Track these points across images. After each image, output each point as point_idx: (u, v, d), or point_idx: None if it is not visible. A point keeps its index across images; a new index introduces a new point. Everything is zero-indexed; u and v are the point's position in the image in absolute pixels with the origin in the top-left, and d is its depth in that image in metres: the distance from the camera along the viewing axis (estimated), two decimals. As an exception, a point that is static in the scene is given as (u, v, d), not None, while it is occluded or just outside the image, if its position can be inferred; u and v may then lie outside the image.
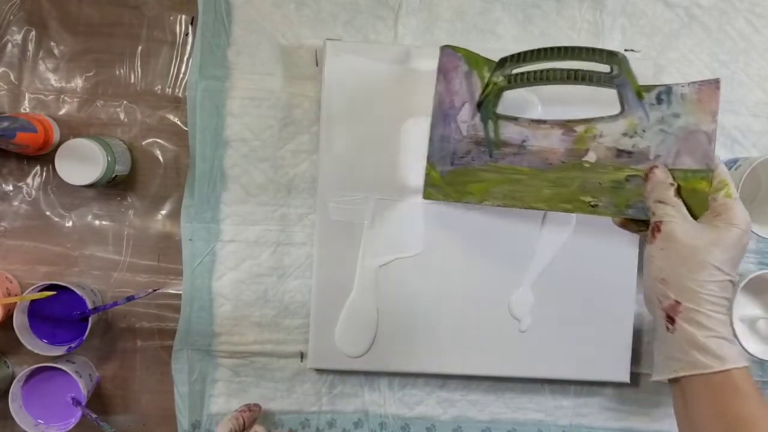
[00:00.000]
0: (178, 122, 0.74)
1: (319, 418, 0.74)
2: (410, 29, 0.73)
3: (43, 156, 0.73)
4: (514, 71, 0.63)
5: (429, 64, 0.68)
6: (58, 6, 0.73)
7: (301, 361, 0.74)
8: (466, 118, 0.66)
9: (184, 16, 0.74)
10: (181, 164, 0.74)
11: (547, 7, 0.74)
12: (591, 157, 0.62)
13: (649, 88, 0.59)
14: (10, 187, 0.74)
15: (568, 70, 0.60)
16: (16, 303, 0.69)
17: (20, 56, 0.73)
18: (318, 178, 0.71)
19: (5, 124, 0.65)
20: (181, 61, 0.74)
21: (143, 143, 0.74)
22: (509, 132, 0.65)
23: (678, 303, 0.51)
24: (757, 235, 0.66)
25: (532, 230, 0.70)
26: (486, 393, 0.75)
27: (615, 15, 0.74)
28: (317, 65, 0.72)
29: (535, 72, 0.62)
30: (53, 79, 0.74)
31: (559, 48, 0.60)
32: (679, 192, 0.55)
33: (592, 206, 0.61)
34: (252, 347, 0.73)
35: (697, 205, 0.55)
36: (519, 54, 0.62)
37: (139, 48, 0.74)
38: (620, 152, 0.61)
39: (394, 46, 0.72)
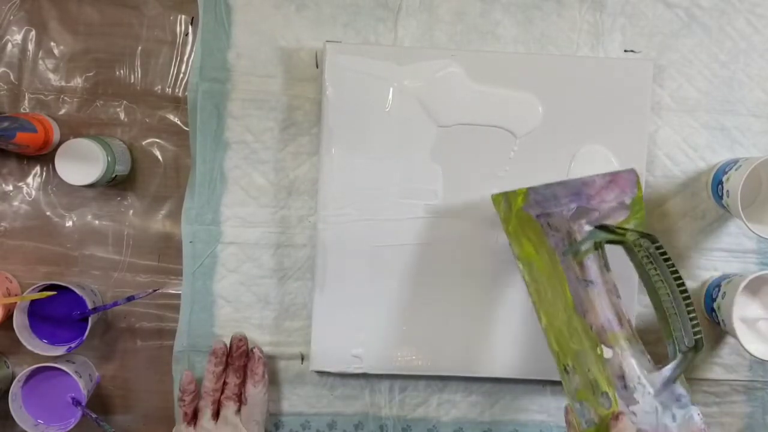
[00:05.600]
0: (178, 122, 0.74)
1: (319, 419, 0.74)
2: (410, 31, 0.73)
3: (43, 156, 0.73)
4: None
5: (430, 65, 0.69)
6: (58, 6, 0.73)
7: (302, 362, 0.74)
8: None
9: (184, 16, 0.74)
10: (180, 164, 0.74)
11: (547, 8, 0.74)
12: None
13: None
14: (10, 187, 0.74)
15: None
16: (16, 303, 0.69)
17: (20, 56, 0.73)
18: (319, 180, 0.71)
19: (5, 124, 0.65)
20: (181, 61, 0.74)
21: (143, 143, 0.74)
22: None
23: None
24: (757, 235, 0.66)
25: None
26: (487, 394, 0.75)
27: (615, 16, 0.74)
28: (317, 67, 0.72)
29: None
30: (53, 79, 0.73)
31: None
32: None
33: None
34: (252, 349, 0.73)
35: None
36: None
37: (139, 48, 0.74)
38: None
39: (394, 48, 0.72)
